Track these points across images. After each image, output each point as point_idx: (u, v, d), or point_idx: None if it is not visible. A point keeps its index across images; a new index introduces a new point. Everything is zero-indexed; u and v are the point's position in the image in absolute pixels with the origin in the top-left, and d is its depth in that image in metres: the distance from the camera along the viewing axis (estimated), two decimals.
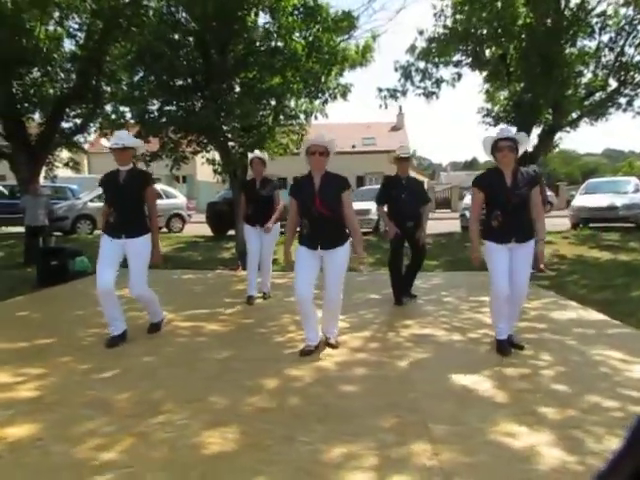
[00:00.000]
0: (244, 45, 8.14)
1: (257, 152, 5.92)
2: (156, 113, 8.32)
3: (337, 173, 3.87)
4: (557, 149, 14.11)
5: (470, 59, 10.48)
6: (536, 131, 10.71)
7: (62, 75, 9.73)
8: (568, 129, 10.74)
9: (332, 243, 3.75)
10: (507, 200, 3.67)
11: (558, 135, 11.01)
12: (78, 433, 2.57)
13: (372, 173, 29.66)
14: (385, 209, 5.64)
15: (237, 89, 8.80)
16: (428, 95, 10.47)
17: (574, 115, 10.50)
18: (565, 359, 3.64)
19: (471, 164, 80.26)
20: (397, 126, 35.03)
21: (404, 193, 5.39)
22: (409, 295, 5.80)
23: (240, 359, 3.72)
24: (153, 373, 3.44)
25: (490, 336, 4.12)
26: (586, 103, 10.35)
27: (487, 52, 10.62)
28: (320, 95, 8.47)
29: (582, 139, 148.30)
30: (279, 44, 8.29)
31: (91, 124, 10.55)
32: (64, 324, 4.75)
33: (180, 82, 8.61)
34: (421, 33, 10.34)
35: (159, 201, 14.63)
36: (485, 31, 9.93)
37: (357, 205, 12.99)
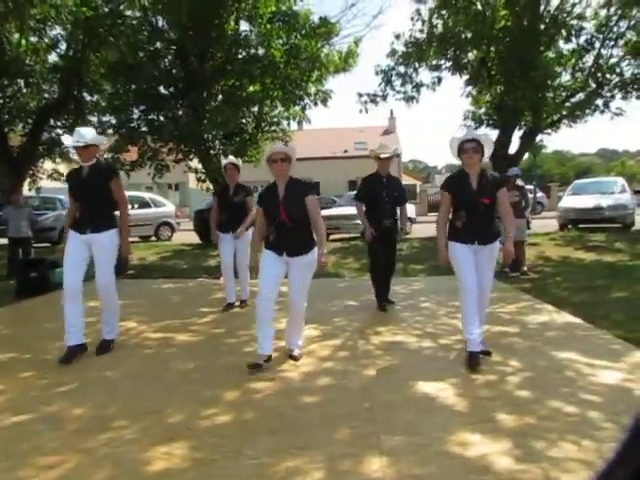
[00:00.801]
0: (222, 53, 8.14)
1: (231, 158, 5.88)
2: (136, 122, 8.31)
3: (301, 179, 3.85)
4: (545, 150, 14.14)
5: (450, 63, 10.48)
6: (518, 134, 10.77)
7: (44, 86, 9.69)
8: (549, 131, 10.77)
9: (298, 250, 3.72)
10: (472, 202, 3.66)
11: (539, 137, 11.06)
12: (25, 449, 2.53)
13: None
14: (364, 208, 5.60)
15: (219, 97, 8.80)
16: (408, 100, 10.46)
17: (554, 117, 10.52)
18: (532, 364, 3.61)
19: None
20: (389, 130, 35.15)
21: (384, 191, 5.37)
22: (387, 301, 5.78)
23: (204, 370, 3.68)
24: (112, 386, 3.39)
25: (462, 342, 4.08)
26: (565, 105, 10.36)
27: (469, 55, 10.63)
28: (299, 101, 8.46)
29: (576, 139, 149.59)
30: (259, 52, 8.29)
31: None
32: (33, 338, 4.69)
33: (161, 90, 8.61)
34: (398, 37, 10.34)
35: (148, 210, 14.84)
36: (464, 35, 9.95)
37: (345, 210, 13.12)
